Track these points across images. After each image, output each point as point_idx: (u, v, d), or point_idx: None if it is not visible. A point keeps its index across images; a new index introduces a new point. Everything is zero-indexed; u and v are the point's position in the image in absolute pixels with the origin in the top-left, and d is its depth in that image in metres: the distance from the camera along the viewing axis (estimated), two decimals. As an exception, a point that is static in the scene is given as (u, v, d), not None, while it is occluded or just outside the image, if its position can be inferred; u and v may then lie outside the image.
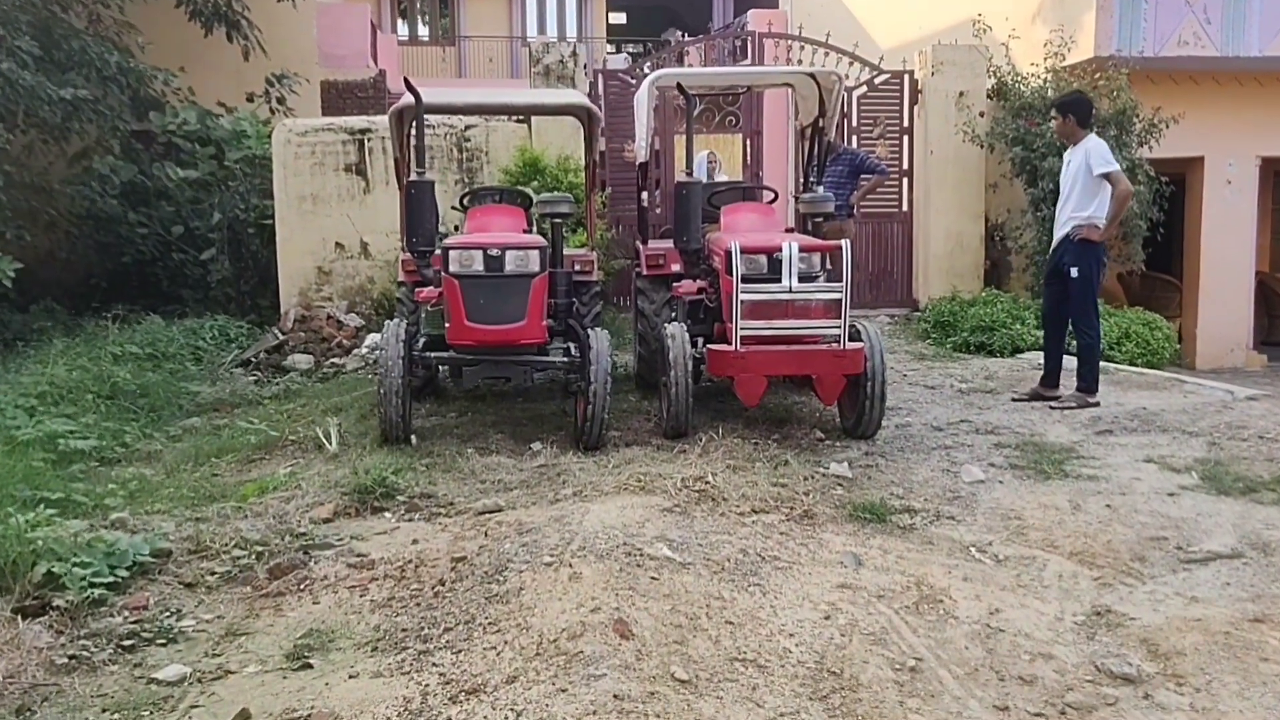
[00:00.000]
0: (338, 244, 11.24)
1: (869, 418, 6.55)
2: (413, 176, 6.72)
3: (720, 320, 6.96)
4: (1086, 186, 7.17)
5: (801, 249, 6.26)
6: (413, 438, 6.52)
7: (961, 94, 11.88)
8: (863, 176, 10.14)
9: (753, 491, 5.32)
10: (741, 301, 6.21)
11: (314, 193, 11.24)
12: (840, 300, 6.21)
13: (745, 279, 6.27)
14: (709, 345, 6.43)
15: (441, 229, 7.83)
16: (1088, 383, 7.48)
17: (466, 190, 7.87)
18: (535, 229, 7.49)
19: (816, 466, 5.99)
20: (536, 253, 6.33)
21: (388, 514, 5.20)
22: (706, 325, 7.34)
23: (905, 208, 12.40)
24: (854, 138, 12.03)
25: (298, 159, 11.25)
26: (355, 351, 9.94)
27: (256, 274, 12.40)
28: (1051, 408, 7.44)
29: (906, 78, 12.24)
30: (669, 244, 7.81)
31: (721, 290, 6.73)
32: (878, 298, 12.34)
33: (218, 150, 12.87)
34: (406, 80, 6.61)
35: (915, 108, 12.25)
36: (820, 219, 7.23)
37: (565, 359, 6.58)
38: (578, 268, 7.69)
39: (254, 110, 13.57)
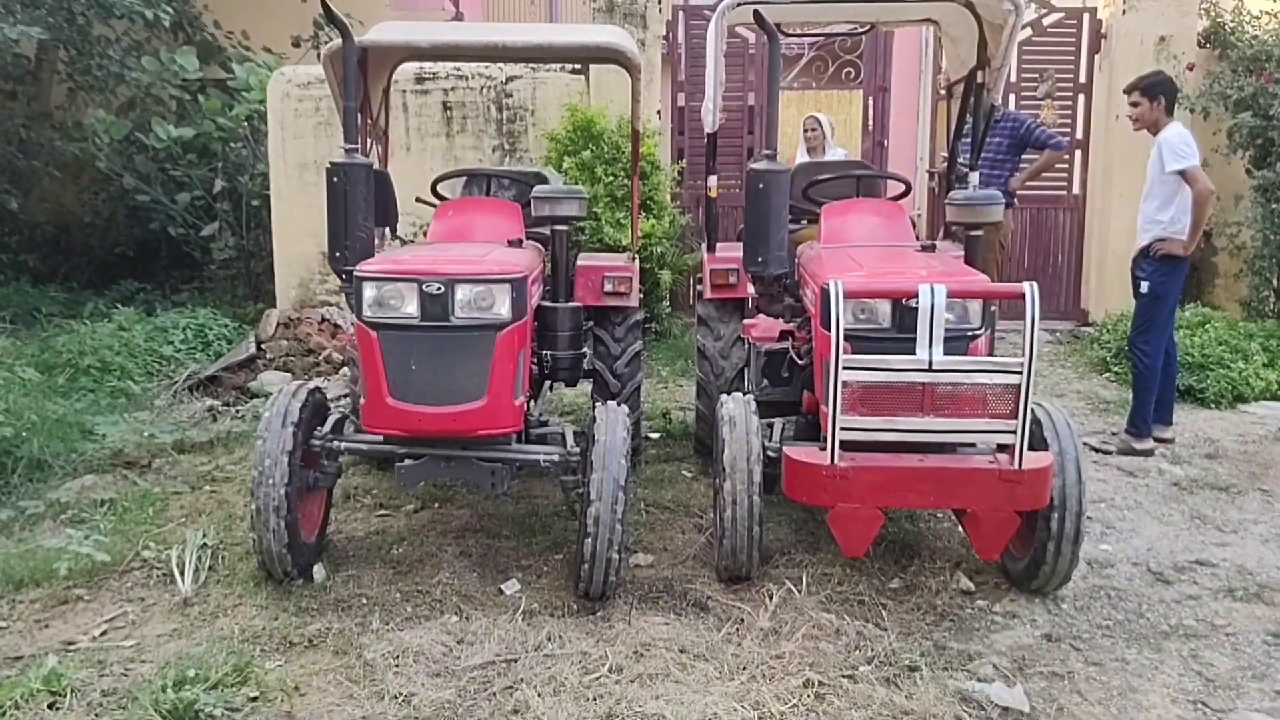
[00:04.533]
0: (346, 224, 8.96)
1: (1051, 568, 3.95)
2: (338, 155, 4.31)
3: (813, 389, 4.42)
4: (1164, 183, 5.94)
5: (953, 294, 3.65)
6: (318, 568, 4.18)
7: (1163, 39, 8.87)
8: (1026, 152, 7.37)
9: (847, 788, 2.80)
10: (844, 383, 3.64)
11: (318, 159, 8.96)
12: (1020, 387, 3.59)
13: (853, 339, 3.70)
14: (786, 449, 3.86)
15: (405, 233, 5.47)
16: (1135, 423, 6.17)
17: (443, 173, 5.43)
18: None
19: (963, 677, 3.44)
20: (507, 288, 3.86)
21: (177, 784, 2.86)
22: (793, 389, 4.82)
23: (1076, 189, 9.51)
24: (1012, 97, 9.18)
25: (298, 117, 9.02)
26: (345, 370, 7.67)
27: (267, 255, 10.27)
28: (1092, 448, 6.09)
29: (1086, 18, 9.28)
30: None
31: (814, 347, 4.18)
32: (1034, 306, 9.50)
33: (227, 105, 10.72)
34: (326, 6, 4.20)
35: (1097, 58, 9.31)
36: (977, 232, 4.56)
37: (557, 452, 4.13)
38: (609, 287, 5.23)
39: (298, 57, 11.36)
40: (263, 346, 8.06)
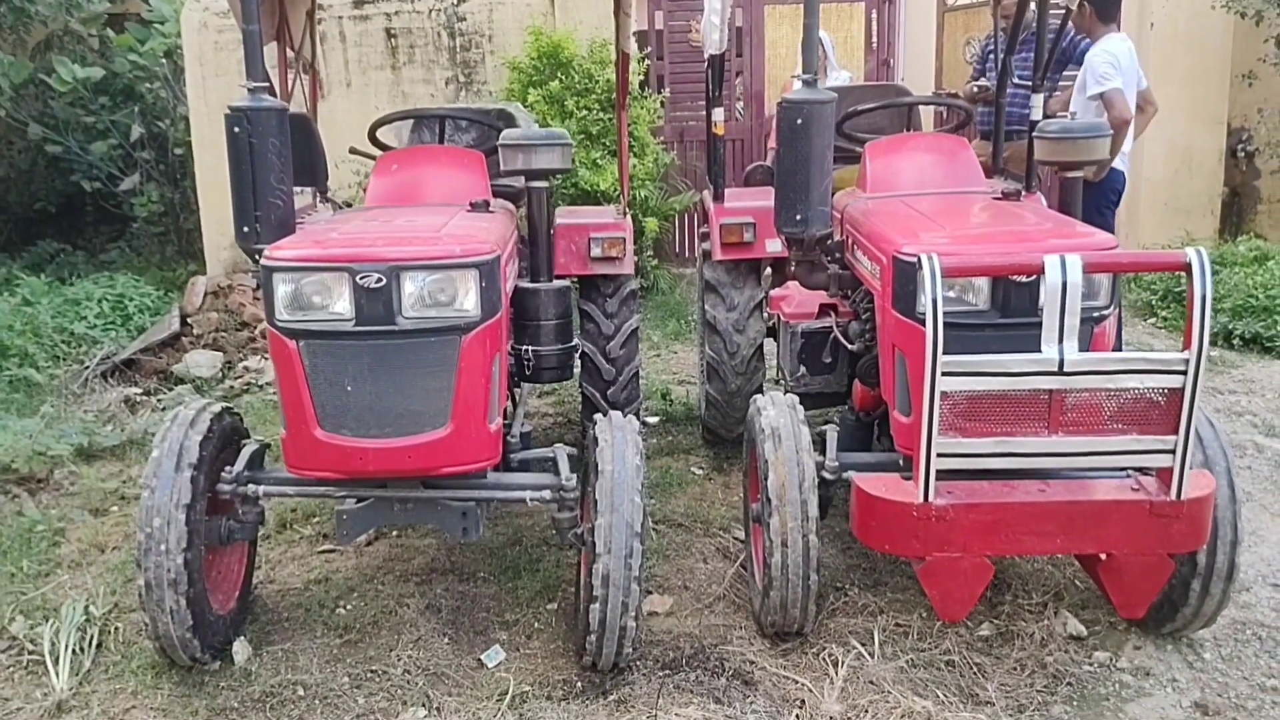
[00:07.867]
0: (280, 173, 7.81)
1: (1194, 609, 3.04)
2: (240, 98, 3.23)
3: (872, 382, 3.46)
4: (1085, 108, 5.18)
5: (1091, 267, 2.65)
6: (239, 646, 3.18)
7: (1206, -68, 7.85)
8: (1068, 70, 6.34)
9: None
10: (943, 393, 2.65)
11: (244, 100, 7.77)
12: (1183, 392, 2.63)
13: (954, 328, 2.69)
14: (857, 480, 2.88)
15: (346, 193, 4.41)
16: None
17: (383, 116, 4.34)
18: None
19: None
20: (473, 274, 2.83)
21: None
22: (837, 378, 3.86)
23: (1104, 109, 8.50)
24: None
25: (219, 50, 7.83)
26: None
27: (197, 209, 9.09)
28: None
29: (1115, -89, 8.19)
30: (760, 199, 4.28)
31: (879, 334, 3.19)
32: (1058, 242, 8.55)
33: (141, 41, 9.45)
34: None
35: (1127, -43, 8.25)
36: (1076, 174, 3.56)
37: (547, 485, 3.13)
38: (597, 251, 4.21)
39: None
40: (189, 321, 6.98)
